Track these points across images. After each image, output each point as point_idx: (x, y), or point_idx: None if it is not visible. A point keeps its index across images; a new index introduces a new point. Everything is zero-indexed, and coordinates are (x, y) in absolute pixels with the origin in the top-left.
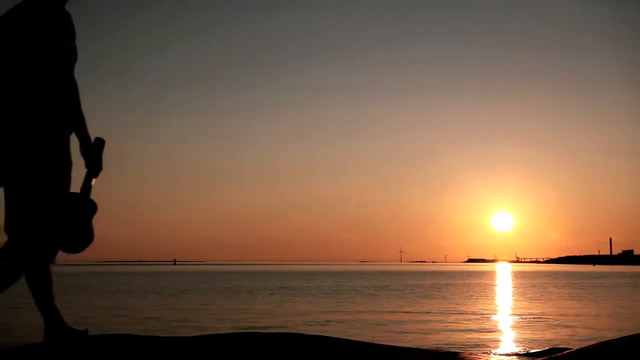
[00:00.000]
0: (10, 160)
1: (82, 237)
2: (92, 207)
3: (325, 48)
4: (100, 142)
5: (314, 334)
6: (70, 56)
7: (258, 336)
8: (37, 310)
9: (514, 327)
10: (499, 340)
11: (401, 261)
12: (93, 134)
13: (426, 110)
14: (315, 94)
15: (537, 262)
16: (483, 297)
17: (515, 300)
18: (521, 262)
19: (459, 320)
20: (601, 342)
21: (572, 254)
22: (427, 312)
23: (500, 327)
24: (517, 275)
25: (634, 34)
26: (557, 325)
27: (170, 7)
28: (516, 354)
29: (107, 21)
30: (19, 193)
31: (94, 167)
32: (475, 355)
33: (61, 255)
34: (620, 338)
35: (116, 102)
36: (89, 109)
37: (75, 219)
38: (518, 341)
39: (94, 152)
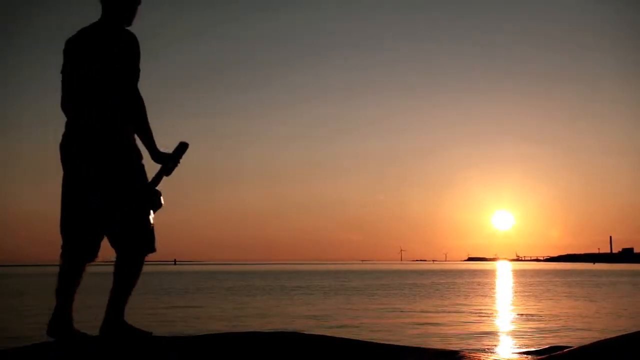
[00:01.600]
0: (105, 170)
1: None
2: (158, 200)
3: (325, 48)
4: (183, 146)
5: (314, 333)
6: (137, 74)
7: (258, 336)
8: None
9: (514, 325)
10: (499, 339)
11: (401, 260)
12: None
13: (426, 110)
14: (315, 94)
15: (538, 260)
16: (483, 296)
17: (516, 299)
18: (521, 260)
19: (459, 318)
20: (601, 341)
21: (572, 253)
22: (427, 311)
23: (500, 325)
24: (517, 273)
25: (634, 34)
26: (557, 324)
27: (170, 8)
28: (516, 352)
29: None
30: (119, 198)
31: (170, 167)
32: (476, 353)
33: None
34: (620, 336)
35: None
36: None
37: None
38: (518, 339)
39: (175, 154)
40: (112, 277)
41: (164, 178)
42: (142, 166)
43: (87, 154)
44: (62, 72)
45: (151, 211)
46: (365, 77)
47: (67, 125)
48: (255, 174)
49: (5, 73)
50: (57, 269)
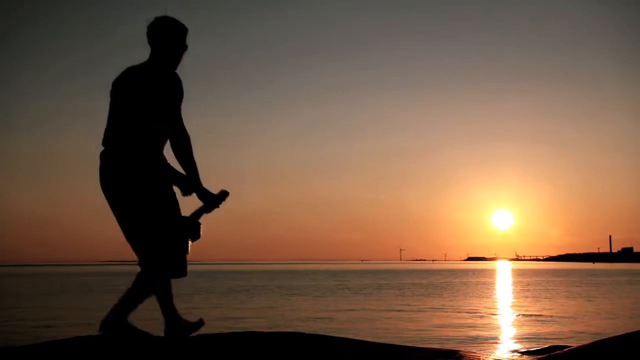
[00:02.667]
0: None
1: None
2: (198, 231)
3: (325, 48)
4: (226, 194)
5: (313, 333)
6: (178, 112)
7: (257, 336)
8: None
9: (514, 325)
10: (498, 338)
11: (401, 260)
12: (92, 135)
13: (426, 109)
14: (315, 94)
15: (537, 260)
16: (483, 296)
17: (515, 298)
18: (521, 260)
19: (458, 318)
20: (600, 340)
21: (572, 252)
22: (427, 311)
23: (499, 325)
24: (517, 273)
25: (633, 34)
26: (557, 323)
27: (170, 8)
28: (516, 352)
29: (106, 22)
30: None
31: (210, 207)
32: (475, 353)
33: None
34: (620, 336)
35: None
36: (89, 110)
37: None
38: (517, 339)
39: (218, 197)
40: (134, 280)
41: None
42: (165, 192)
43: (112, 180)
44: (110, 107)
45: (189, 241)
46: (365, 76)
47: (101, 153)
48: (255, 174)
49: (5, 73)
50: (55, 269)
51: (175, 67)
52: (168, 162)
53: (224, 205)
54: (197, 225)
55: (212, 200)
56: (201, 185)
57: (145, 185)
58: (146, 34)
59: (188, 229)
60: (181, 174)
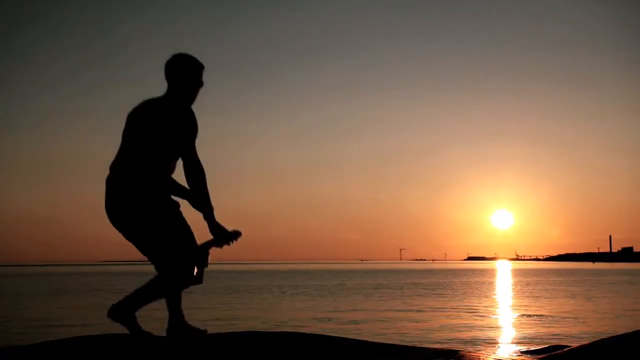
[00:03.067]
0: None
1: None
2: (206, 260)
3: (325, 48)
4: (239, 234)
5: (313, 332)
6: (191, 145)
7: (257, 336)
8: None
9: (514, 324)
10: (498, 338)
11: (401, 259)
12: (92, 135)
13: (426, 109)
14: (316, 94)
15: (537, 259)
16: (482, 295)
17: (515, 298)
18: (521, 259)
19: (458, 318)
20: (600, 340)
21: (572, 252)
22: (427, 310)
23: (499, 324)
24: (517, 273)
25: (633, 34)
26: (557, 323)
27: (169, 8)
28: (516, 352)
29: (106, 22)
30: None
31: (221, 243)
32: (475, 353)
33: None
34: (619, 335)
35: (115, 103)
36: (88, 109)
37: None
38: (517, 339)
39: (230, 235)
40: (149, 279)
41: None
42: (168, 212)
43: (116, 206)
44: (123, 135)
45: (196, 268)
46: (365, 76)
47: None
48: (255, 174)
49: (5, 73)
50: (55, 269)
51: (191, 103)
52: (176, 181)
53: (234, 244)
54: (206, 255)
55: (224, 237)
56: (214, 219)
57: (149, 209)
58: (164, 69)
59: (197, 257)
60: (187, 189)
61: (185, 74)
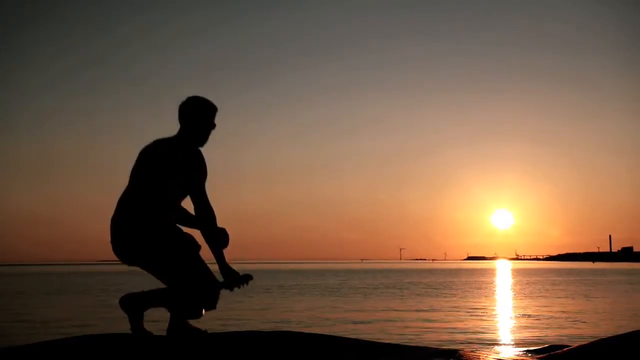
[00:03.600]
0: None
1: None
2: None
3: (325, 48)
4: (250, 277)
5: (313, 332)
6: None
7: (257, 335)
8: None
9: (514, 324)
10: (498, 338)
11: (401, 259)
12: (92, 135)
13: (426, 109)
14: (315, 94)
15: (537, 259)
16: (482, 295)
17: (515, 298)
18: (521, 259)
19: (458, 317)
20: (600, 340)
21: (572, 251)
22: (427, 310)
23: (499, 324)
24: (517, 272)
25: (633, 34)
26: (557, 323)
27: (169, 8)
28: (515, 352)
29: (106, 22)
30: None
31: (231, 286)
32: (475, 353)
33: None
34: (619, 335)
35: (115, 103)
36: (89, 109)
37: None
38: (517, 338)
39: (241, 279)
40: (164, 288)
41: None
42: (171, 241)
43: (122, 243)
44: (131, 173)
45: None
46: (365, 77)
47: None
48: (255, 174)
49: (5, 73)
50: (55, 269)
51: (203, 144)
52: (187, 211)
53: (244, 288)
54: (216, 297)
55: (234, 280)
56: (225, 261)
57: (155, 247)
58: (177, 111)
59: (205, 299)
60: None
61: (198, 117)
